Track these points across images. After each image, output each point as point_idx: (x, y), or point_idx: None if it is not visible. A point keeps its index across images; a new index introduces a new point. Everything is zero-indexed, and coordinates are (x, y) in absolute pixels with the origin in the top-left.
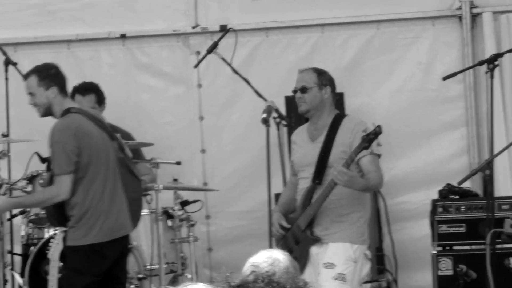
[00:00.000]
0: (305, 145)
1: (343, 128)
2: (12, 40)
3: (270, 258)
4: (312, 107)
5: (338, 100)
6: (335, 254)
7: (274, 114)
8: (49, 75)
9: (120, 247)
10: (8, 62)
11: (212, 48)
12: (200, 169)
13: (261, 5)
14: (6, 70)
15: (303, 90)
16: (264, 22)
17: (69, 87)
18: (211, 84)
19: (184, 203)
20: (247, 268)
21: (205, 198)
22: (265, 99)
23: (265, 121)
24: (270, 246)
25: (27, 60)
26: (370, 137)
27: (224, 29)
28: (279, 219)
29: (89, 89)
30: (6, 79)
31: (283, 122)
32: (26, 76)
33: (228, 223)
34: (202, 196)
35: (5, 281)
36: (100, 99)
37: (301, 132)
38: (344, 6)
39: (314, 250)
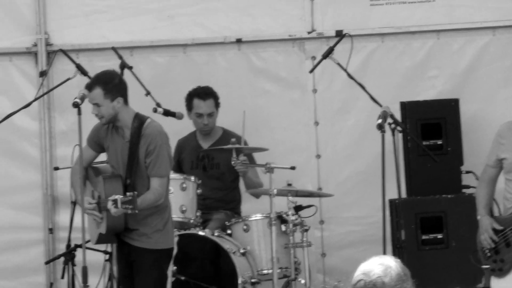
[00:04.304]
0: None
1: None
2: (129, 44)
3: (382, 265)
4: None
5: (454, 106)
6: None
7: (389, 120)
8: (114, 86)
9: None
10: (123, 66)
11: (328, 53)
12: (315, 174)
13: (376, 11)
14: (122, 74)
15: None
16: (379, 27)
17: (184, 92)
18: (326, 89)
19: (298, 208)
20: (357, 275)
21: (319, 203)
22: (380, 105)
23: (380, 127)
24: (384, 252)
25: (143, 64)
26: None
27: (339, 34)
28: (491, 223)
29: (209, 93)
30: None
31: (398, 128)
32: (90, 87)
33: (342, 228)
34: (316, 202)
35: None
36: (218, 103)
37: None
38: (460, 12)
39: None
